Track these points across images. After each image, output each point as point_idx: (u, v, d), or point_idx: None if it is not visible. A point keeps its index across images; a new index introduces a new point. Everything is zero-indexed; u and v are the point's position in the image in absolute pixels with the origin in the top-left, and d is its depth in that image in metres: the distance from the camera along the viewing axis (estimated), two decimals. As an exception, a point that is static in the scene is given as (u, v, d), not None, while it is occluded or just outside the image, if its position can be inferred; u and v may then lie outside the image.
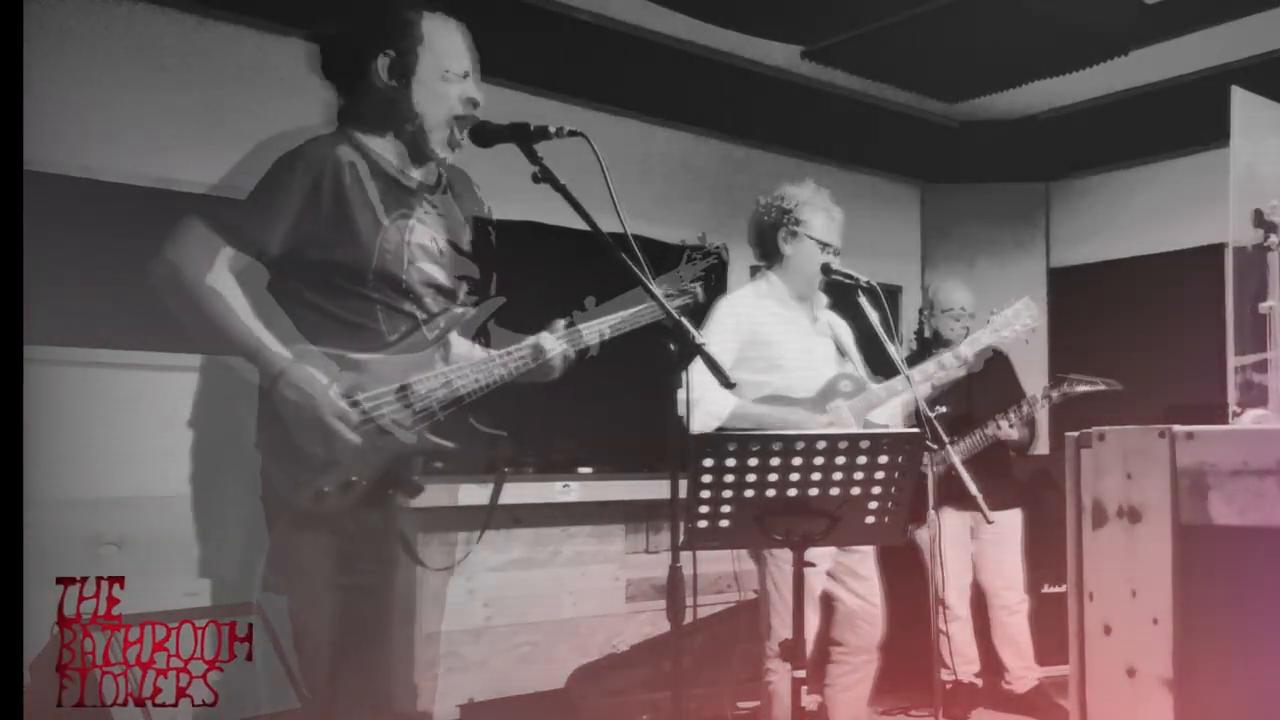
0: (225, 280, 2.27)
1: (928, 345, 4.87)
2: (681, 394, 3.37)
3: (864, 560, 3.49)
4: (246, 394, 2.32)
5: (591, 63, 4.97)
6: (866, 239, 5.85)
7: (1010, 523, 4.68)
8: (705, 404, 3.27)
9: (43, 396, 3.04)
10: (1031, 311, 3.75)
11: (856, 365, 3.63)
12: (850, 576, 3.48)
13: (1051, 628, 4.64)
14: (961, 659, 4.67)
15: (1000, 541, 4.69)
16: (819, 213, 3.53)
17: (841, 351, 3.65)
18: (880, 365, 3.68)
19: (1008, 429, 4.48)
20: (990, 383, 4.68)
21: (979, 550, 4.74)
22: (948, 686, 4.53)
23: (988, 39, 5.02)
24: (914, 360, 4.05)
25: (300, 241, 2.32)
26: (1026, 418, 4.53)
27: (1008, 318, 3.76)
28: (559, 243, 4.39)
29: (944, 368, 3.68)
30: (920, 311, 5.04)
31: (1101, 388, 4.38)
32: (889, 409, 3.56)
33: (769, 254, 3.61)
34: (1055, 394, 4.47)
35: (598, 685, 4.16)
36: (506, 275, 2.69)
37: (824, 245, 3.51)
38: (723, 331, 3.42)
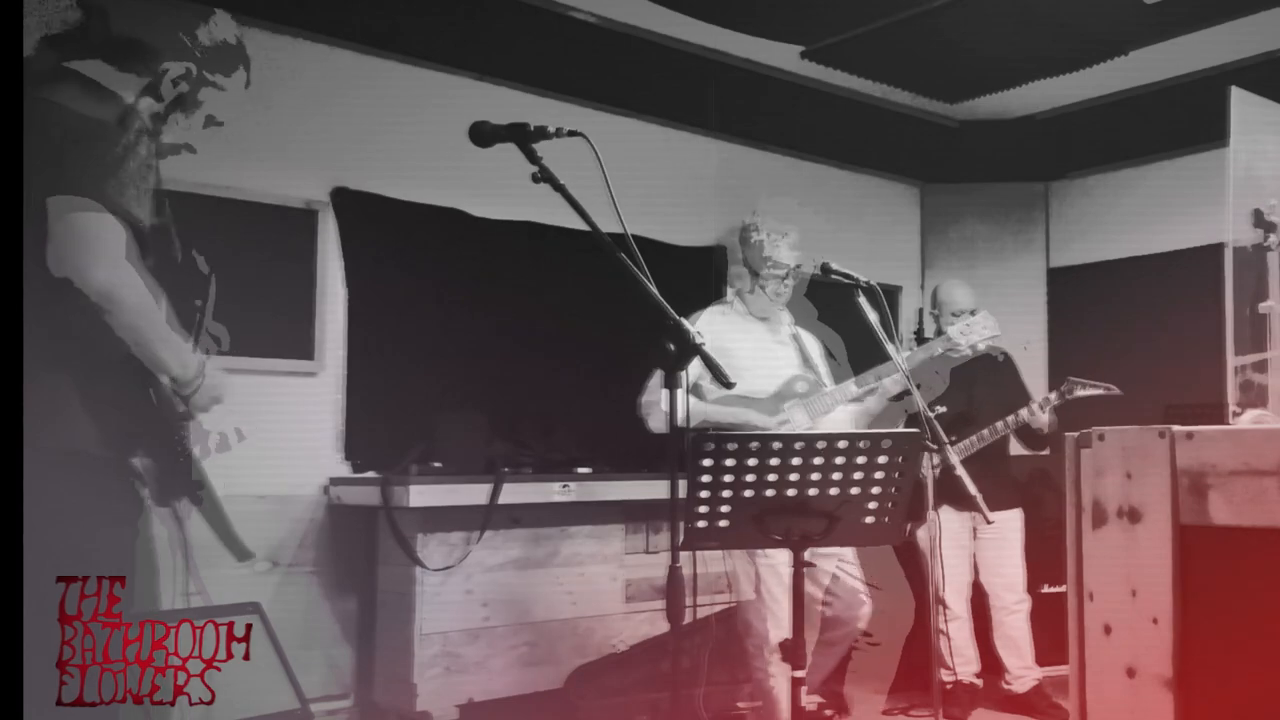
0: (138, 283, 2.14)
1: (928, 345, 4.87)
2: (655, 393, 3.61)
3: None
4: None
5: (591, 63, 4.98)
6: (866, 239, 5.87)
7: (1010, 523, 4.68)
8: (663, 403, 3.33)
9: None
10: (989, 325, 3.77)
11: (820, 375, 3.78)
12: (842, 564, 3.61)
13: (1051, 628, 4.65)
14: (961, 659, 4.68)
15: (1000, 542, 4.69)
16: (785, 234, 3.76)
17: (805, 360, 3.80)
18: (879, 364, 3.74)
19: (1039, 414, 4.46)
20: (993, 383, 4.69)
21: (979, 550, 4.74)
22: (948, 687, 4.54)
23: (988, 39, 5.02)
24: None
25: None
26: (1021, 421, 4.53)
27: (962, 330, 3.80)
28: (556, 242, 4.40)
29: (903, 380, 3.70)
30: (920, 310, 5.04)
31: (1102, 392, 4.38)
32: (849, 412, 3.70)
33: (748, 264, 3.83)
34: (1055, 396, 4.47)
35: (597, 685, 4.16)
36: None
37: (793, 266, 3.75)
38: None
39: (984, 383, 4.66)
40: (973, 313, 4.07)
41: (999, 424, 4.52)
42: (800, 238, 3.79)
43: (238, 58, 2.44)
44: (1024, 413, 4.49)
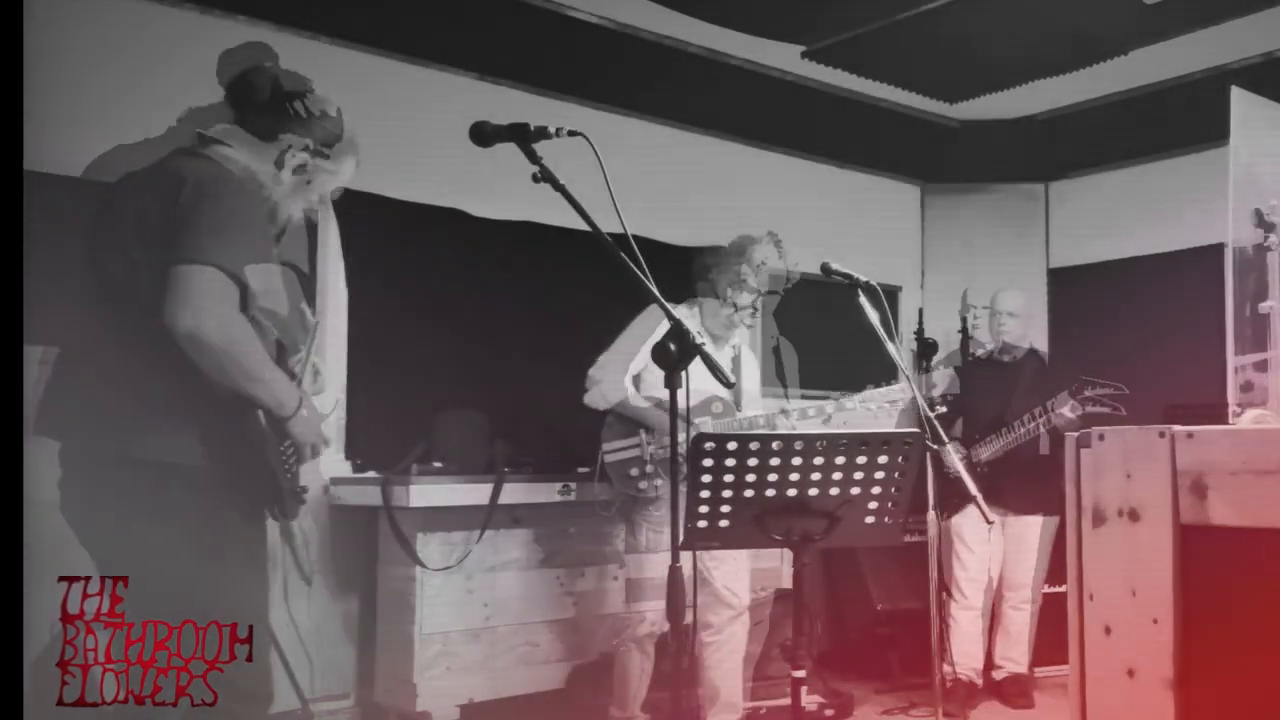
0: (245, 324, 2.33)
1: (928, 346, 4.90)
2: (602, 369, 3.90)
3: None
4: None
5: (592, 63, 4.97)
6: (866, 239, 5.87)
7: (1031, 525, 4.71)
8: (604, 385, 3.86)
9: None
10: (906, 394, 3.91)
11: (742, 400, 4.01)
12: (713, 563, 3.84)
13: (1051, 627, 4.68)
14: (965, 654, 4.70)
15: (1019, 542, 4.75)
16: (748, 270, 3.99)
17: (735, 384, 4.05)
18: (880, 363, 3.79)
19: (1067, 414, 4.46)
20: (1034, 385, 4.72)
21: (1000, 549, 4.78)
22: (947, 683, 4.55)
23: (988, 39, 5.02)
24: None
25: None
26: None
27: (878, 396, 3.92)
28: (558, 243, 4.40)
29: (805, 416, 3.93)
30: (920, 310, 5.05)
31: (1111, 391, 4.37)
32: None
33: (716, 281, 4.07)
34: (1067, 396, 4.45)
35: (597, 685, 4.16)
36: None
37: (755, 292, 4.01)
38: (638, 335, 3.85)
39: (1024, 385, 4.71)
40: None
41: (1022, 428, 4.55)
42: (754, 277, 4.02)
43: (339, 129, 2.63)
44: (1039, 413, 4.49)
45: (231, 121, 2.51)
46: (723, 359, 4.00)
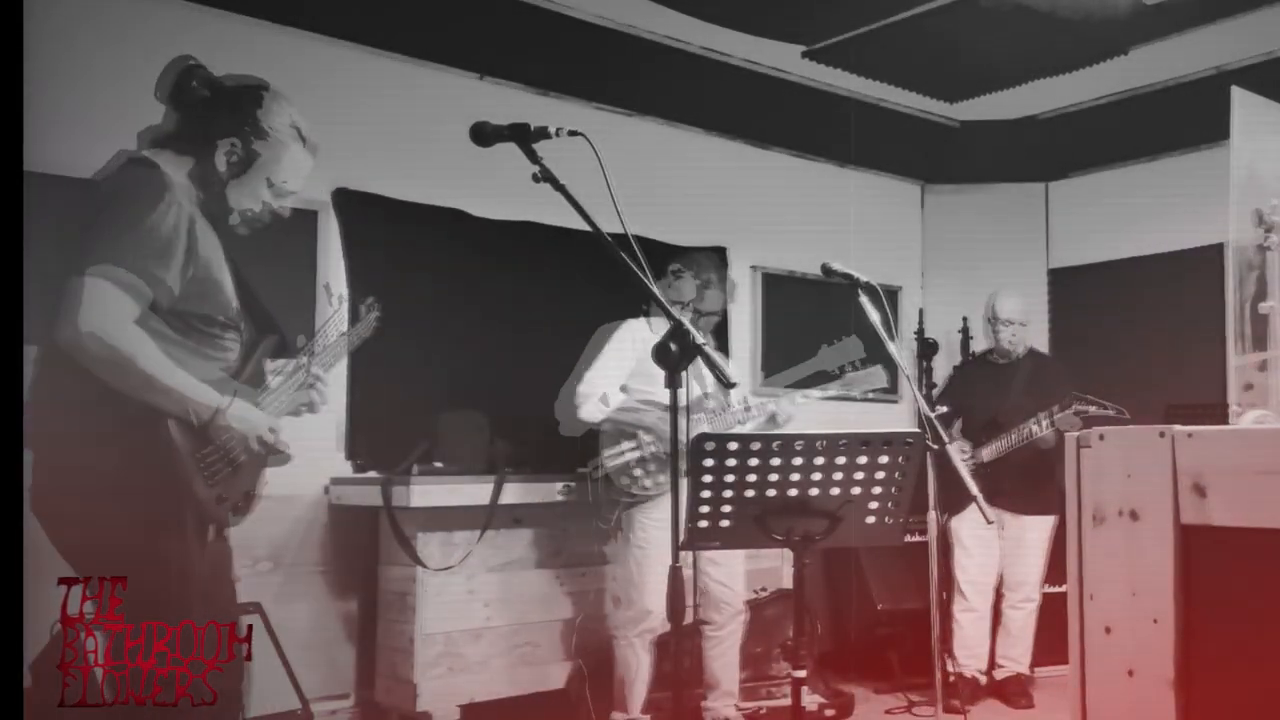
0: (137, 335, 2.32)
1: (928, 346, 4.90)
2: (591, 384, 4.02)
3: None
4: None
5: (591, 63, 4.97)
6: (866, 239, 5.87)
7: (1037, 527, 4.71)
8: (595, 399, 4.00)
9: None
10: (880, 378, 4.04)
11: (724, 398, 4.08)
12: (710, 565, 3.94)
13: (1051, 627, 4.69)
14: (968, 653, 4.70)
15: (1021, 542, 4.75)
16: (689, 284, 4.13)
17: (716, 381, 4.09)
18: (880, 363, 3.82)
19: (1045, 429, 4.46)
20: (1035, 388, 4.71)
21: (1004, 548, 4.78)
22: (950, 679, 4.55)
23: (988, 39, 5.02)
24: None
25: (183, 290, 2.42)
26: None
27: (859, 379, 4.05)
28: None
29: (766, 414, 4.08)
30: (920, 311, 5.05)
31: (1110, 413, 4.36)
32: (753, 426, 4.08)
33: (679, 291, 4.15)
34: (1058, 409, 4.44)
35: (598, 685, 4.16)
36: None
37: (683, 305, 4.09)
38: (622, 348, 4.05)
39: (1021, 386, 4.70)
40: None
41: (1017, 432, 4.55)
42: (698, 290, 4.13)
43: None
44: (1033, 425, 4.49)
45: (169, 143, 2.52)
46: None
